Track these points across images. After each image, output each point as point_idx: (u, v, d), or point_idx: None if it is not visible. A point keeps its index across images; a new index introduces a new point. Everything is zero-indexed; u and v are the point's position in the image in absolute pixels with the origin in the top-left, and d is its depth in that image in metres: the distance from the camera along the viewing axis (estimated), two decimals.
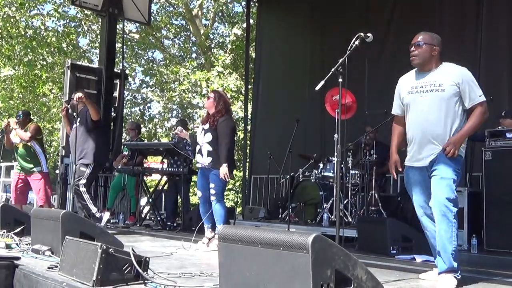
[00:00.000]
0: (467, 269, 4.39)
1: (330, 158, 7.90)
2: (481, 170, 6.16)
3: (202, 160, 5.66)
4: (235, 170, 6.69)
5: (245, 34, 13.50)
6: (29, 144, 7.46)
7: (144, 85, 22.52)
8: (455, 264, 3.57)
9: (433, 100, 3.73)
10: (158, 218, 8.10)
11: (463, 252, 5.74)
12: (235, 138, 6.89)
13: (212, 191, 5.61)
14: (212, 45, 21.09)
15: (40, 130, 7.91)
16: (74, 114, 6.78)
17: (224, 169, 5.48)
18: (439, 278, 3.59)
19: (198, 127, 6.35)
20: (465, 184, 6.36)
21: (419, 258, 4.89)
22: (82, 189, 6.58)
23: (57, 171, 9.88)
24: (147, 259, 3.28)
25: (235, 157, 7.36)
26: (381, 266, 4.14)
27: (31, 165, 7.48)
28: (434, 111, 3.72)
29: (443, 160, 3.65)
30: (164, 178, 8.37)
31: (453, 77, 3.74)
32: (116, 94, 10.48)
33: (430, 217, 3.77)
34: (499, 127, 6.32)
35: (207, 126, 5.71)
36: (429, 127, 3.73)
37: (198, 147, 5.76)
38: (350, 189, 7.59)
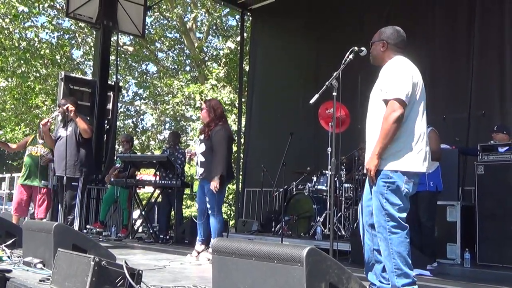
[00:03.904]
0: (460, 283, 4.41)
1: (324, 171, 7.92)
2: (473, 184, 6.18)
3: (198, 171, 5.67)
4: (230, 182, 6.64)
5: (239, 48, 13.57)
6: (45, 155, 7.49)
7: (138, 98, 22.56)
8: (398, 283, 3.28)
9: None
10: (151, 231, 8.06)
11: (456, 266, 5.76)
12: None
13: (208, 205, 5.59)
14: (206, 58, 21.16)
15: None
16: (59, 118, 6.67)
17: (214, 182, 5.43)
18: None
19: (191, 139, 6.36)
20: (457, 198, 6.38)
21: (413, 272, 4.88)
22: (78, 206, 6.53)
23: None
24: (140, 272, 3.26)
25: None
26: None
27: (40, 178, 7.45)
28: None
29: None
30: (157, 191, 8.35)
31: (380, 76, 3.49)
32: (109, 106, 10.48)
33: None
34: (491, 142, 6.36)
35: (202, 136, 5.73)
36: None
37: (196, 159, 5.77)
38: (343, 202, 7.60)
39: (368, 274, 3.51)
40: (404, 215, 3.35)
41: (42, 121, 6.86)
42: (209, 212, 5.58)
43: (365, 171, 3.36)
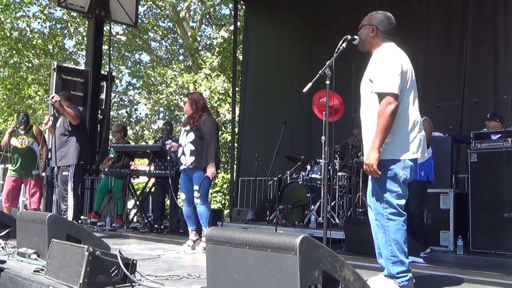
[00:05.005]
0: (453, 269, 4.45)
1: (318, 160, 7.93)
2: (466, 172, 6.22)
3: (185, 160, 5.68)
4: (221, 171, 6.68)
5: (232, 37, 13.52)
6: (31, 147, 7.50)
7: (131, 87, 22.46)
8: (394, 271, 3.31)
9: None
10: (145, 221, 8.06)
11: (449, 253, 5.81)
12: (220, 138, 6.90)
13: (196, 194, 5.59)
14: (200, 48, 21.07)
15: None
16: (55, 112, 6.70)
17: (212, 169, 5.52)
18: (381, 280, 3.41)
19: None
20: (450, 186, 6.41)
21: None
22: (70, 195, 6.51)
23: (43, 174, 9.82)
24: (134, 261, 3.26)
25: (222, 159, 7.36)
26: (368, 267, 4.17)
27: (31, 168, 7.46)
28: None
29: None
30: (152, 181, 8.34)
31: (369, 66, 3.48)
32: (102, 96, 10.44)
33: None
34: (485, 129, 6.39)
35: (188, 127, 5.76)
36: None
37: (181, 149, 5.78)
38: (337, 191, 7.62)
39: (379, 260, 3.53)
40: (402, 202, 3.37)
41: (44, 121, 6.94)
42: (198, 201, 5.59)
43: (364, 167, 3.33)
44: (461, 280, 3.87)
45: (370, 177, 3.48)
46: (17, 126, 7.68)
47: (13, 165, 7.63)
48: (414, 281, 3.40)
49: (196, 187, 5.59)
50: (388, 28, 3.52)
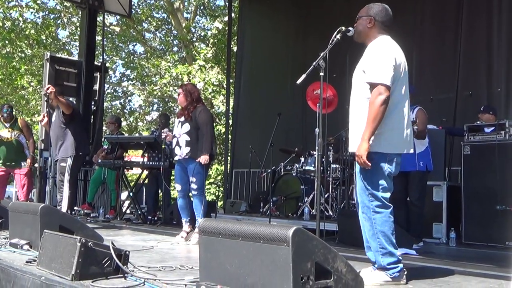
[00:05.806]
0: (445, 261, 4.47)
1: (311, 152, 7.93)
2: (459, 164, 6.24)
3: (180, 151, 5.66)
4: (215, 163, 6.67)
5: (227, 28, 13.47)
6: (18, 139, 7.47)
7: (125, 79, 22.37)
8: (384, 262, 3.32)
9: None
10: (139, 212, 8.06)
11: (441, 245, 5.84)
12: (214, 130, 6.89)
13: (194, 186, 5.58)
14: (194, 39, 20.98)
15: None
16: (49, 109, 6.70)
17: (205, 156, 5.51)
18: (372, 272, 3.41)
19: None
20: (444, 178, 6.44)
21: (398, 251, 4.92)
22: (66, 185, 6.50)
23: (36, 165, 9.77)
24: (127, 252, 3.25)
25: (216, 151, 7.36)
26: (361, 259, 4.17)
27: (19, 160, 7.45)
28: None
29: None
30: (145, 172, 8.32)
31: (363, 57, 3.47)
32: (96, 87, 10.39)
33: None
34: (478, 122, 6.41)
35: (182, 118, 5.74)
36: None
37: (175, 140, 5.75)
38: (331, 183, 7.63)
39: (368, 253, 3.54)
40: (387, 195, 3.38)
41: (39, 118, 6.93)
42: (194, 192, 5.58)
43: (356, 159, 3.32)
44: (453, 271, 3.89)
45: (356, 171, 3.48)
46: (1, 116, 7.61)
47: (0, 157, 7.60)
48: (406, 272, 3.42)
49: (192, 179, 5.59)
50: (385, 19, 3.52)
